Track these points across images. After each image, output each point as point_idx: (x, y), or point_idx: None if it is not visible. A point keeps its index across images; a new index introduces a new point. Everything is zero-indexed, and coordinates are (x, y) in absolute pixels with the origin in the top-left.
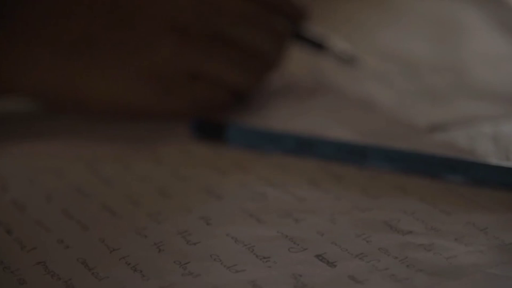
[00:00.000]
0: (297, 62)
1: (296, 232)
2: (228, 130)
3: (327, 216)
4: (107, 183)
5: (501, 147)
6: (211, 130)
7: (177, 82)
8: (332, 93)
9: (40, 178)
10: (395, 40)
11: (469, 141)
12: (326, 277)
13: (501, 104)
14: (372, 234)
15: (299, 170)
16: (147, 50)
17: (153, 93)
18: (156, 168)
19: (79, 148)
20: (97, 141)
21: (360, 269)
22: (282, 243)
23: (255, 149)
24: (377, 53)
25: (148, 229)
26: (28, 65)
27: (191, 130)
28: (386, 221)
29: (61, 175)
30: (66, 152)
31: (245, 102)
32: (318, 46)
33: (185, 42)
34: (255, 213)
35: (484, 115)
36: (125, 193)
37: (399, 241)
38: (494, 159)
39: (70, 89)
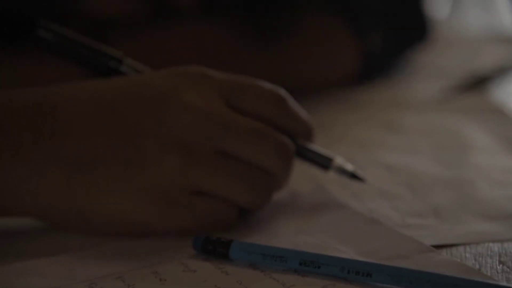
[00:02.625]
0: (301, 178)
1: None
2: (231, 247)
3: None
4: None
5: (509, 267)
6: (214, 247)
7: (181, 199)
8: (336, 209)
9: None
10: (398, 154)
11: (475, 260)
12: None
13: (508, 222)
14: None
15: None
16: (151, 167)
17: (156, 210)
18: (159, 287)
19: (80, 266)
20: (99, 259)
21: None
22: None
23: (259, 267)
24: (380, 168)
25: None
26: (30, 186)
27: (194, 247)
28: None
29: None
30: (67, 270)
31: (248, 218)
32: (322, 162)
33: (189, 159)
34: None
35: (491, 234)
36: None
37: None
38: (502, 280)
39: (72, 208)
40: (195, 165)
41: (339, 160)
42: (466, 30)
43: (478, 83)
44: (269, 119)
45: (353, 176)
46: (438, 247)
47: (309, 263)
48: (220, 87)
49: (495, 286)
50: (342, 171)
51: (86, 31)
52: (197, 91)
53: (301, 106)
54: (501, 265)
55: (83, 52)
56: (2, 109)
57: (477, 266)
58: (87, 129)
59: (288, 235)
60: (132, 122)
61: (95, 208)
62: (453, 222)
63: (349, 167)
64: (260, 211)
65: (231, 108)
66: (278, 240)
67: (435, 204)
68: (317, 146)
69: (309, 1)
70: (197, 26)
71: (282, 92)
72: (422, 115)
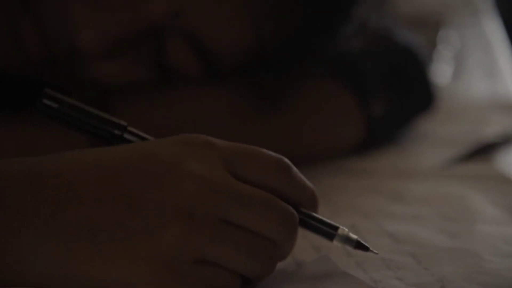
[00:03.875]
0: (305, 247)
1: None
2: None
3: None
4: None
5: None
6: None
7: (184, 268)
8: (340, 279)
9: None
10: (402, 223)
11: None
12: None
13: None
14: None
15: None
16: (154, 236)
17: (159, 280)
18: None
19: None
20: None
21: None
22: None
23: None
24: (384, 237)
25: None
26: (32, 256)
27: None
28: None
29: None
30: None
31: (252, 287)
32: (326, 231)
33: (192, 228)
34: None
35: None
36: None
37: None
38: None
39: (73, 276)
40: (198, 234)
41: (343, 230)
42: (470, 97)
43: (483, 151)
44: (273, 188)
45: (358, 245)
46: None
47: None
48: (223, 156)
49: None
50: (346, 240)
51: (89, 98)
52: (200, 160)
53: (304, 174)
54: None
55: (87, 121)
56: (5, 179)
57: None
58: (89, 197)
59: None
60: (135, 190)
61: (97, 277)
62: None
63: (353, 236)
64: (263, 280)
65: (235, 177)
66: None
67: (440, 274)
68: (321, 215)
69: (312, 66)
70: (200, 92)
71: (286, 160)
72: (426, 183)
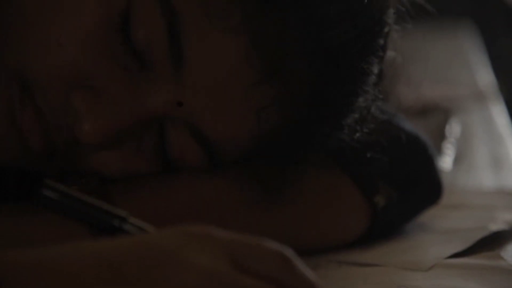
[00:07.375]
0: None
1: None
2: None
3: None
4: None
5: None
6: None
7: None
8: None
9: None
10: None
11: None
12: None
13: None
14: None
15: None
16: None
17: None
18: None
19: None
20: None
21: None
22: None
23: None
24: None
25: None
26: None
27: None
28: None
29: None
30: None
31: None
32: None
33: None
34: None
35: None
36: None
37: None
38: None
39: None
40: None
41: None
42: (475, 185)
43: (489, 242)
44: (275, 280)
45: None
46: None
47: None
48: (224, 247)
49: None
50: None
51: (90, 188)
52: (202, 251)
53: (306, 265)
54: None
55: (87, 211)
56: (2, 271)
57: None
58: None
59: None
60: (134, 282)
61: None
62: None
63: None
64: None
65: (237, 268)
66: None
67: None
68: None
69: (315, 155)
70: (202, 182)
71: (289, 252)
72: (431, 275)
